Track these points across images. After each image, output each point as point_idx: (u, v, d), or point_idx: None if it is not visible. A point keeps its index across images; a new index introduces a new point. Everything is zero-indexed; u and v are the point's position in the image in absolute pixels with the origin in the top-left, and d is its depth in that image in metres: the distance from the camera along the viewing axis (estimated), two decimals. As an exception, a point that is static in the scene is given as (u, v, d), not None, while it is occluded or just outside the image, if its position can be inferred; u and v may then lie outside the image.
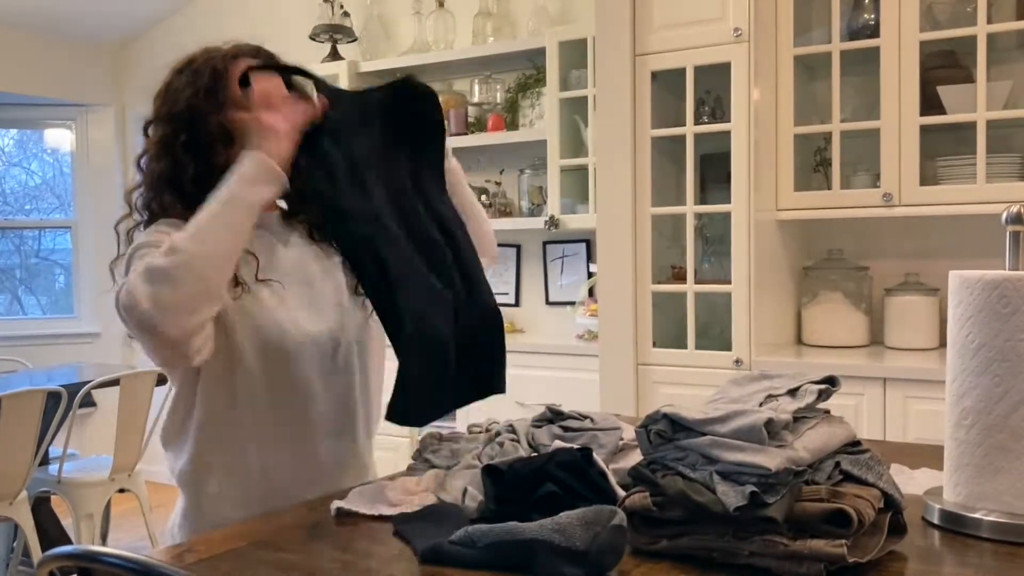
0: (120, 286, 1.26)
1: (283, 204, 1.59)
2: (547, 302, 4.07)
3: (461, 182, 1.59)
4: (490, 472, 1.18)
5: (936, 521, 1.14)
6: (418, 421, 1.37)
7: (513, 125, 3.94)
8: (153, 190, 1.48)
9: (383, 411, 1.39)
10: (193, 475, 1.48)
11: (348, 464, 1.54)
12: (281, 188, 1.37)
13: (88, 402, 3.53)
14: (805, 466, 1.00)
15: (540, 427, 1.44)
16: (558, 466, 1.15)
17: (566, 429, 1.44)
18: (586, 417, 1.49)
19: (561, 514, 1.00)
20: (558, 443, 1.36)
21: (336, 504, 1.28)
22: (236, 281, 1.40)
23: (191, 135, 1.47)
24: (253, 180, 1.33)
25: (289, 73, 1.49)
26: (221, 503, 1.45)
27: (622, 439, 1.46)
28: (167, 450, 1.51)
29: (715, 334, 3.04)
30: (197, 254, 1.25)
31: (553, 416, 1.48)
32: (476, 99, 4.06)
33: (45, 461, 3.52)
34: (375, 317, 1.47)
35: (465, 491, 1.27)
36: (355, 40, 4.35)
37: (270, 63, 1.50)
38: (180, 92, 1.49)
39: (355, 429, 1.55)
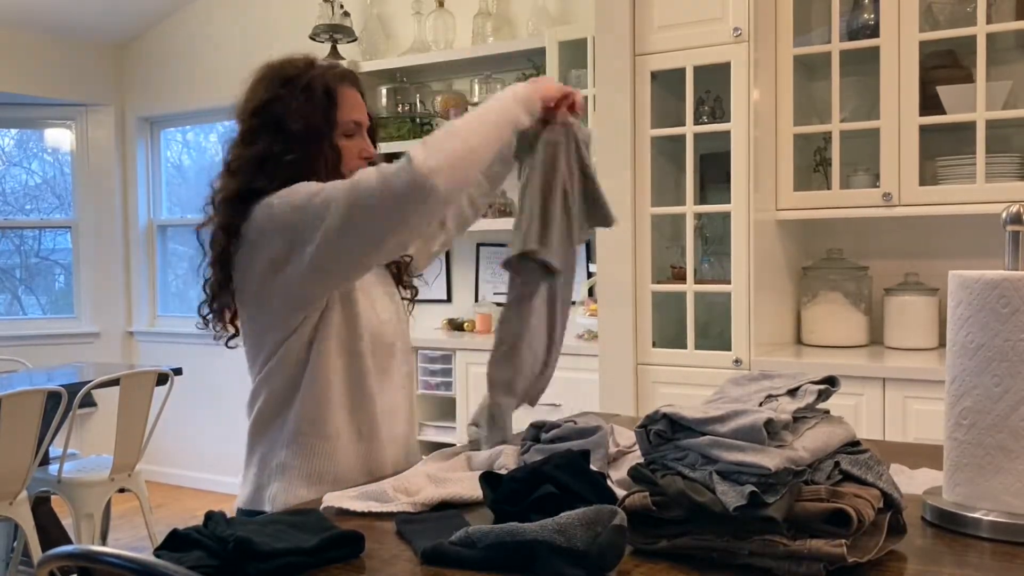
0: (403, 166, 1.32)
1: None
2: (547, 302, 4.06)
3: None
4: (488, 478, 1.19)
5: (936, 521, 1.15)
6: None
7: (513, 125, 3.93)
8: (234, 201, 1.47)
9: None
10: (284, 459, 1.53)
11: (411, 451, 1.66)
12: (530, 123, 1.46)
13: (88, 402, 3.52)
14: (805, 466, 1.00)
15: (526, 451, 1.43)
16: (556, 467, 1.15)
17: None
18: (567, 420, 1.51)
19: (561, 515, 1.00)
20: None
21: (326, 503, 1.28)
22: (442, 223, 1.72)
23: (303, 155, 1.46)
24: (525, 101, 1.43)
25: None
26: (299, 482, 1.50)
27: (617, 444, 1.47)
28: (257, 430, 1.55)
29: (715, 334, 3.04)
30: (472, 130, 1.37)
31: (536, 432, 1.48)
32: (476, 99, 4.06)
33: (45, 461, 3.52)
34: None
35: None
36: (355, 40, 4.35)
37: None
38: (294, 109, 1.46)
39: (412, 421, 1.69)
